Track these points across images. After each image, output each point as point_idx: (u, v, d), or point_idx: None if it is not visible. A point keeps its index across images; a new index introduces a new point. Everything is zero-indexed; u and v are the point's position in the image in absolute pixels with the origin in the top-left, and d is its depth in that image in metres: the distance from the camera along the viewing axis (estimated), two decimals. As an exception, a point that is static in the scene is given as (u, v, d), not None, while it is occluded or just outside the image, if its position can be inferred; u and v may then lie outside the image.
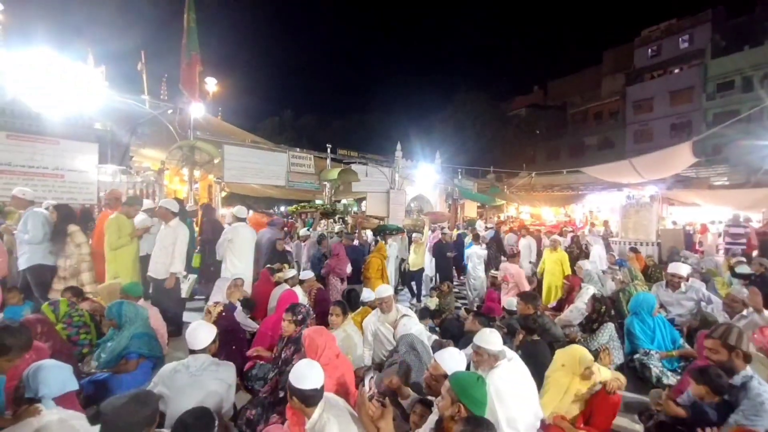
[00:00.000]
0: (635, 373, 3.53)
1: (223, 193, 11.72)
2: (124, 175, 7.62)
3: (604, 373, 2.53)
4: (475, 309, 5.99)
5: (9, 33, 9.67)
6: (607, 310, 3.91)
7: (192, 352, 2.65)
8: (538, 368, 2.56)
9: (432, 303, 6.02)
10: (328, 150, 11.53)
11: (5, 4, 9.59)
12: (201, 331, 2.66)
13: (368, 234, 9.00)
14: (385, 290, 3.39)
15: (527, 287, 5.51)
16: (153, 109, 8.94)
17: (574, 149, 29.64)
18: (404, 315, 3.29)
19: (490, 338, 2.32)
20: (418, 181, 14.91)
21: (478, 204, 18.48)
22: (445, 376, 2.03)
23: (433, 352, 3.07)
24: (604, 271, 6.48)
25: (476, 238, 7.75)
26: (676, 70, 25.59)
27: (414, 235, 7.87)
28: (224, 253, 5.06)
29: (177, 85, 9.19)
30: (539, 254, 7.86)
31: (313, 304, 4.39)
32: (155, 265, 4.67)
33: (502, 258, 7.67)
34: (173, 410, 2.32)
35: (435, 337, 3.57)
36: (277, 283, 5.14)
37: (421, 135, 23.23)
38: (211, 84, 14.03)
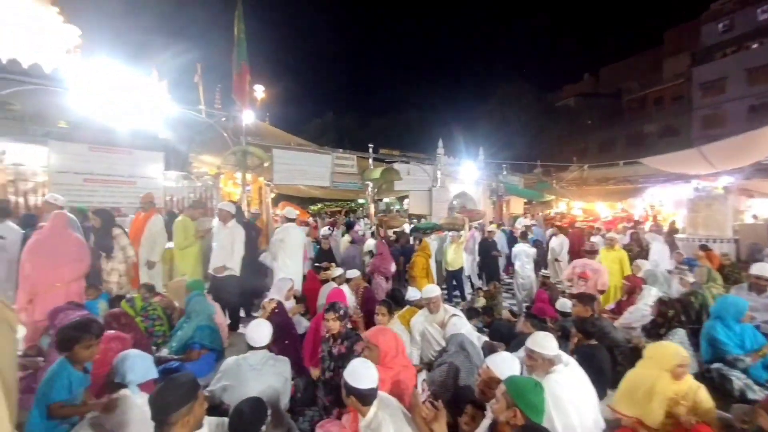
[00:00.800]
0: (712, 384, 3.20)
1: (272, 195, 12.33)
2: (186, 180, 8.28)
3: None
4: (524, 310, 5.79)
5: (84, 52, 10.84)
6: (677, 314, 3.60)
7: (251, 347, 2.82)
8: (597, 374, 2.42)
9: (479, 303, 5.90)
10: (370, 150, 11.68)
11: (82, 26, 10.77)
12: (260, 329, 2.82)
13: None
14: (432, 290, 3.38)
15: (607, 285, 5.29)
16: (209, 118, 9.60)
17: (631, 139, 27.42)
18: (454, 315, 3.27)
19: (544, 342, 2.24)
20: (461, 178, 14.64)
21: (525, 200, 17.76)
22: (499, 381, 1.99)
23: (484, 354, 3.02)
24: (669, 271, 5.96)
25: (524, 236, 7.47)
26: (754, 45, 22.75)
27: (452, 233, 7.71)
28: (276, 252, 5.32)
29: (230, 94, 9.77)
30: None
31: (361, 303, 4.49)
32: (215, 262, 5.04)
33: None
34: (233, 400, 2.50)
35: (485, 338, 3.51)
36: (324, 282, 5.32)
37: (463, 131, 22.73)
38: (259, 91, 14.79)
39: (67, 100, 7.26)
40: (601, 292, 5.31)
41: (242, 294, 5.24)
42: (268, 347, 2.88)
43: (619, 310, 4.71)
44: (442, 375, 2.73)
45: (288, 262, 5.31)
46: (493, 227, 8.99)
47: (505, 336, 3.81)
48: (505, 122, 27.40)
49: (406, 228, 9.50)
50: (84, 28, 11.01)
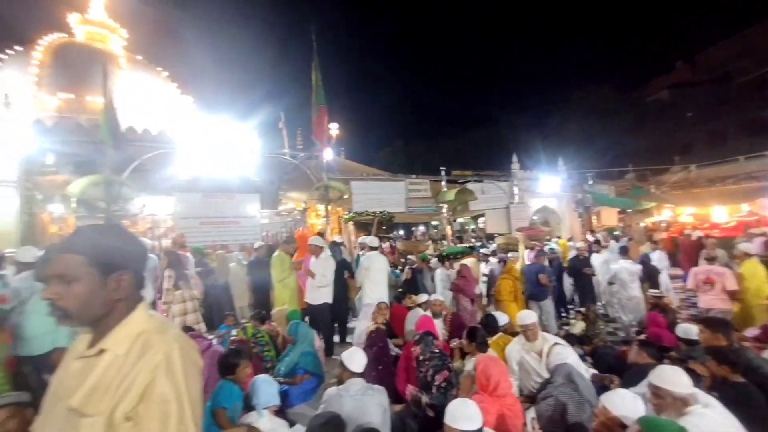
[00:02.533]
0: None
1: (350, 224, 13.00)
2: (278, 216, 9.21)
3: None
4: (635, 336, 5.14)
5: (196, 116, 12.93)
6: None
7: (349, 373, 2.96)
8: (748, 419, 2.05)
9: (577, 328, 5.41)
10: (443, 173, 11.74)
11: (193, 94, 12.92)
12: (357, 356, 2.97)
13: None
14: (528, 316, 3.23)
15: (736, 287, 4.63)
16: (293, 159, 10.65)
17: (747, 128, 23.15)
18: (556, 343, 3.07)
19: (674, 377, 1.98)
20: (540, 192, 13.84)
21: (619, 210, 16.00)
22: (622, 425, 1.81)
23: (594, 388, 2.76)
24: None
25: (624, 251, 6.72)
26: None
27: (509, 254, 7.15)
28: (362, 280, 5.58)
29: (310, 135, 10.77)
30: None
31: (450, 330, 4.45)
32: (310, 293, 5.47)
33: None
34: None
35: (593, 370, 3.20)
36: (410, 308, 5.39)
37: (538, 142, 21.63)
38: (334, 129, 16.03)
39: (185, 158, 8.71)
40: (732, 296, 4.67)
41: (334, 321, 5.56)
42: (364, 374, 3.01)
43: (766, 336, 3.93)
44: (548, 409, 2.56)
45: (374, 289, 5.52)
46: (557, 244, 8.22)
47: (612, 367, 3.43)
48: (584, 128, 25.42)
49: (431, 249, 9.07)
50: (194, 95, 13.26)
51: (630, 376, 2.92)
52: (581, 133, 24.87)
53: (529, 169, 14.12)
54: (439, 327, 4.52)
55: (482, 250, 8.27)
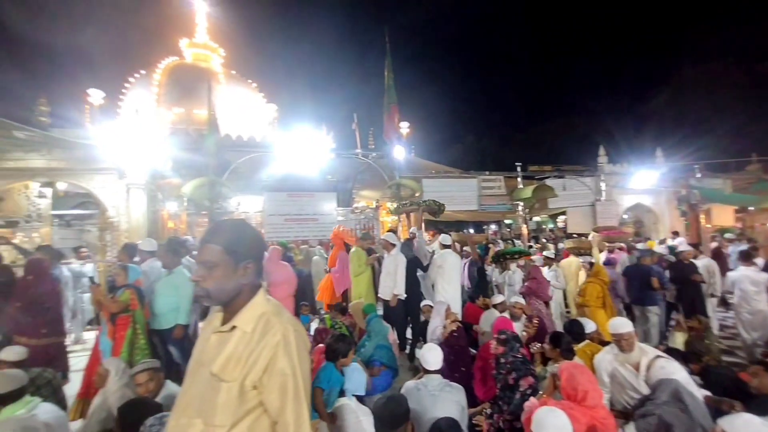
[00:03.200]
0: None
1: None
2: (352, 214, 9.63)
3: None
4: (761, 357, 4.36)
5: (280, 122, 14.12)
6: None
7: (426, 371, 3.02)
8: None
9: (677, 341, 4.76)
10: (518, 168, 11.16)
11: (277, 102, 14.10)
12: (434, 353, 3.01)
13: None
14: (623, 324, 2.94)
15: None
16: (366, 159, 11.04)
17: None
18: (658, 356, 2.76)
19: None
20: (633, 188, 12.38)
21: (736, 207, 13.60)
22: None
23: (708, 411, 2.43)
24: None
25: (746, 256, 5.71)
26: None
27: (582, 259, 6.39)
28: (435, 278, 5.59)
29: (381, 135, 11.06)
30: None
31: (534, 333, 4.25)
32: (383, 288, 5.66)
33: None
34: (420, 424, 2.69)
35: (705, 391, 2.81)
36: (485, 308, 5.27)
37: (630, 132, 19.34)
38: (404, 127, 16.18)
39: (270, 160, 9.57)
40: None
41: (407, 316, 5.67)
42: (441, 371, 3.03)
43: None
44: (649, 428, 2.33)
45: (446, 287, 5.50)
46: (692, 247, 7.14)
47: (729, 391, 2.95)
48: (689, 113, 22.02)
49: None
50: (277, 103, 14.49)
51: (757, 404, 2.50)
52: (683, 119, 21.59)
53: (618, 162, 12.71)
54: (518, 330, 4.35)
55: (545, 253, 7.61)
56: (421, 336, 5.04)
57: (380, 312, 5.34)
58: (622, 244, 8.02)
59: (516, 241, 12.88)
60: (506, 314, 4.66)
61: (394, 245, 5.68)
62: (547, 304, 5.84)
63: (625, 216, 13.33)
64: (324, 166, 9.92)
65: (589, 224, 12.16)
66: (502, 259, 6.63)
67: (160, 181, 7.86)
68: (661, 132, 19.04)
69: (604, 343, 3.67)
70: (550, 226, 20.44)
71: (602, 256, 7.00)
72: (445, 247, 5.83)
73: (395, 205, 9.84)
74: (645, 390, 2.73)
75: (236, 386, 1.11)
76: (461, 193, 10.50)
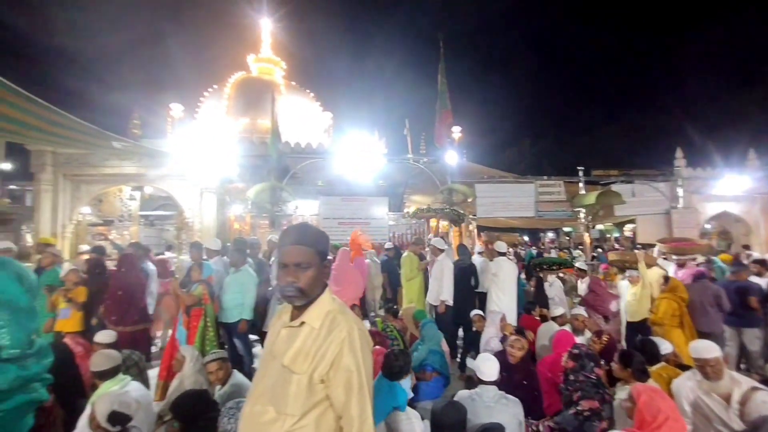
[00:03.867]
0: None
1: (471, 226, 12.75)
2: (403, 218, 9.69)
3: None
4: None
5: (335, 129, 14.64)
6: None
7: (480, 381, 2.93)
8: None
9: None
10: (580, 173, 10.48)
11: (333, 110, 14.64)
12: (490, 363, 2.91)
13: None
14: (709, 348, 2.62)
15: None
16: (418, 164, 11.05)
17: None
18: (756, 388, 2.43)
19: None
20: (718, 194, 11.03)
21: None
22: None
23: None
24: None
25: None
26: None
27: (628, 273, 5.65)
28: (489, 286, 5.44)
29: (434, 140, 11.01)
30: None
31: (601, 350, 3.96)
32: (431, 293, 5.62)
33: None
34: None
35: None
36: (542, 320, 5.01)
37: (713, 131, 17.26)
38: (456, 132, 15.96)
39: (325, 166, 9.95)
40: None
41: (459, 325, 5.57)
42: (497, 383, 2.93)
43: None
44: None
45: (501, 296, 5.32)
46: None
47: None
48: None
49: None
50: (333, 111, 15.07)
51: None
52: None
53: (699, 166, 11.39)
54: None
55: (577, 264, 6.95)
56: (472, 346, 4.92)
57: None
58: (695, 257, 6.81)
59: (575, 251, 12.09)
60: (567, 327, 4.40)
61: (442, 250, 5.62)
62: (606, 318, 5.41)
63: (708, 226, 11.90)
64: (376, 171, 10.11)
65: (662, 234, 11.02)
66: (538, 269, 6.20)
67: (228, 186, 8.57)
68: (755, 131, 16.71)
69: (683, 367, 3.31)
70: (615, 234, 18.86)
71: (670, 270, 6.24)
72: (499, 254, 5.65)
73: (413, 209, 9.70)
74: (738, 426, 2.42)
75: (305, 378, 1.19)
76: (516, 198, 10.10)
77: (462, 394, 2.90)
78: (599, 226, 18.46)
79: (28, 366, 1.10)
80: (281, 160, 8.13)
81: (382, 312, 6.03)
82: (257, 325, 4.90)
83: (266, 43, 15.29)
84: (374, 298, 6.81)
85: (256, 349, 4.94)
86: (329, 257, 1.46)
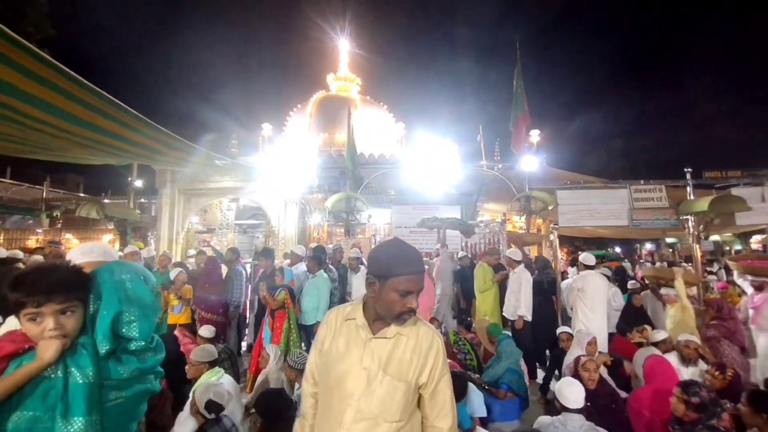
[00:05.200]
0: None
1: (551, 236, 11.77)
2: (477, 228, 9.38)
3: None
4: None
5: (407, 139, 14.86)
6: None
7: (564, 408, 2.67)
8: None
9: None
10: (688, 175, 9.05)
11: (405, 121, 14.89)
12: (574, 389, 2.65)
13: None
14: None
15: None
16: (492, 170, 10.65)
17: None
18: None
19: None
20: None
21: None
22: None
23: None
24: None
25: None
26: None
27: (663, 291, 4.73)
28: (574, 302, 4.98)
29: (509, 145, 10.52)
30: None
31: (724, 386, 3.34)
32: (507, 307, 5.33)
33: None
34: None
35: None
36: (639, 344, 4.40)
37: None
38: (534, 135, 15.03)
39: (397, 175, 10.14)
40: None
41: (540, 343, 5.19)
42: (583, 411, 2.66)
43: None
44: None
45: (589, 315, 4.82)
46: None
47: None
48: None
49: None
50: (405, 121, 15.35)
51: None
52: None
53: None
54: (688, 377, 3.47)
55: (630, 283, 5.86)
56: (556, 367, 4.53)
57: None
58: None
59: (685, 265, 10.41)
60: (673, 355, 3.80)
61: (519, 262, 5.31)
62: (742, 349, 4.50)
63: None
64: (448, 179, 9.99)
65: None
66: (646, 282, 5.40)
67: (308, 197, 9.24)
68: None
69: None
70: (737, 247, 15.80)
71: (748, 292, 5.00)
72: (587, 267, 5.14)
73: (431, 217, 9.10)
74: None
75: (412, 385, 1.27)
76: (606, 205, 9.08)
77: (543, 421, 2.69)
78: (714, 237, 15.63)
79: (146, 359, 1.29)
80: (356, 171, 8.53)
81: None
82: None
83: (343, 62, 16.33)
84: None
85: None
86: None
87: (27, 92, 2.72)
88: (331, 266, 5.38)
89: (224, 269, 5.43)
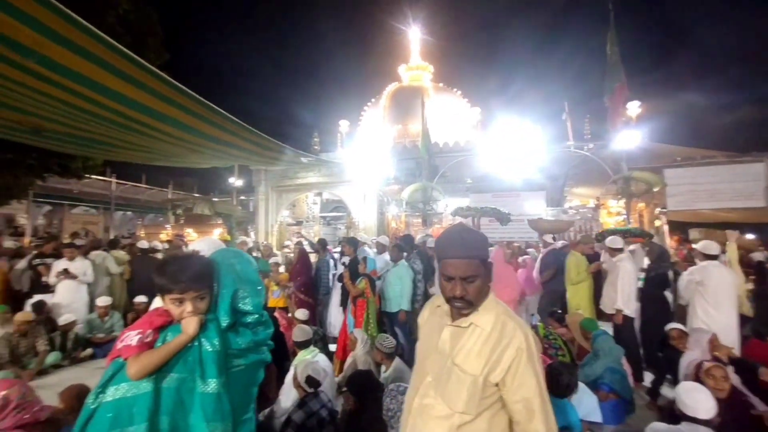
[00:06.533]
0: None
1: (657, 222, 10.24)
2: (564, 214, 8.63)
3: None
4: None
5: (483, 124, 14.22)
6: None
7: (685, 417, 2.34)
8: None
9: None
10: None
11: (481, 105, 14.24)
12: (699, 396, 2.30)
13: None
14: None
15: None
16: (581, 150, 9.64)
17: None
18: None
19: None
20: None
21: None
22: None
23: None
24: None
25: None
26: None
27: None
28: (691, 296, 4.30)
29: (601, 122, 9.40)
30: None
31: None
32: (604, 300, 4.81)
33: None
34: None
35: None
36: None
37: None
38: (634, 108, 13.16)
39: (474, 162, 9.79)
40: None
41: (647, 342, 4.61)
42: (712, 423, 2.30)
43: None
44: None
45: (711, 312, 4.12)
46: None
47: None
48: None
49: None
50: (481, 105, 14.69)
51: None
52: None
53: None
54: None
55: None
56: (668, 369, 3.98)
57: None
58: None
59: None
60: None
61: (618, 250, 4.74)
62: None
63: None
64: (532, 163, 9.33)
65: None
66: None
67: (385, 188, 9.46)
68: None
69: None
70: None
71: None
72: (707, 257, 4.38)
73: (465, 207, 8.10)
74: None
75: (480, 380, 1.18)
76: (732, 184, 7.64)
77: (659, 428, 2.37)
78: None
79: (258, 333, 1.47)
80: (431, 161, 8.46)
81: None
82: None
83: (415, 52, 16.19)
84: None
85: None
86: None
87: (154, 109, 3.25)
88: (415, 256, 5.40)
89: (314, 258, 5.87)
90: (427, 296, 5.25)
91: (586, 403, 2.38)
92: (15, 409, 1.77)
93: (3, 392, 1.79)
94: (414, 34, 16.42)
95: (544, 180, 9.32)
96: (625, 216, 8.56)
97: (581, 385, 2.55)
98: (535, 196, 8.40)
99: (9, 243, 6.76)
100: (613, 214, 9.64)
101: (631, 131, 8.65)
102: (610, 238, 5.20)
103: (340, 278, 5.33)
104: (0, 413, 1.75)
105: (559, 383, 2.37)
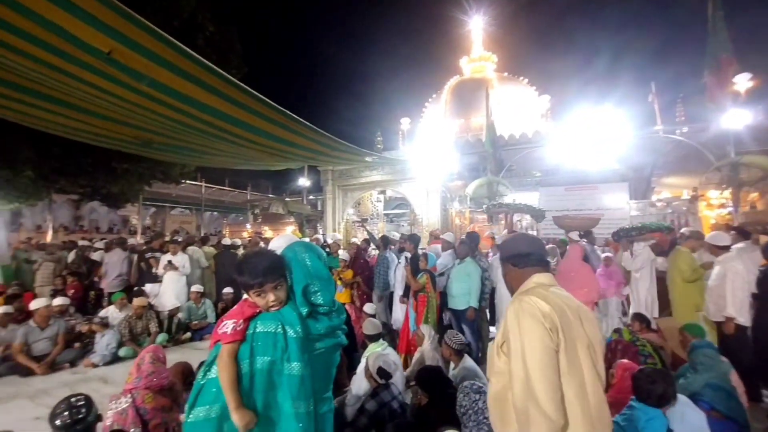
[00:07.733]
0: None
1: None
2: (652, 207, 7.71)
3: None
4: None
5: (554, 113, 13.26)
6: None
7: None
8: None
9: None
10: None
11: (551, 93, 13.28)
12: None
13: None
14: None
15: None
16: (671, 135, 8.51)
17: None
18: None
19: None
20: None
21: None
22: None
23: None
24: None
25: None
26: None
27: None
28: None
29: (697, 103, 8.20)
30: None
31: None
32: (708, 305, 4.22)
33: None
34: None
35: None
36: None
37: None
38: (743, 82, 11.22)
39: (543, 154, 9.18)
40: None
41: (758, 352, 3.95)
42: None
43: None
44: None
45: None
46: None
47: None
48: None
49: None
50: (551, 92, 13.69)
51: None
52: None
53: None
54: None
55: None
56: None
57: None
58: None
59: None
60: None
61: (723, 248, 4.11)
62: None
63: None
64: (612, 152, 8.48)
65: None
66: None
67: (449, 184, 9.31)
68: None
69: None
70: None
71: None
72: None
73: (496, 203, 7.05)
74: None
75: (497, 348, 1.34)
76: None
77: None
78: None
79: (333, 318, 1.61)
80: (497, 154, 8.11)
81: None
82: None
83: (477, 43, 15.61)
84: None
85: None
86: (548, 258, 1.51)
87: (237, 118, 3.61)
88: (481, 254, 5.29)
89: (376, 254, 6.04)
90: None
91: (690, 419, 2.10)
92: (150, 368, 2.19)
93: (147, 353, 2.25)
94: (475, 24, 15.84)
95: (626, 170, 8.41)
96: (732, 208, 7.35)
97: (684, 399, 2.27)
98: (617, 188, 7.61)
99: (131, 240, 8.10)
100: (715, 206, 8.33)
101: (740, 110, 7.40)
102: (713, 233, 4.55)
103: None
104: (137, 370, 2.16)
105: (651, 392, 2.13)
